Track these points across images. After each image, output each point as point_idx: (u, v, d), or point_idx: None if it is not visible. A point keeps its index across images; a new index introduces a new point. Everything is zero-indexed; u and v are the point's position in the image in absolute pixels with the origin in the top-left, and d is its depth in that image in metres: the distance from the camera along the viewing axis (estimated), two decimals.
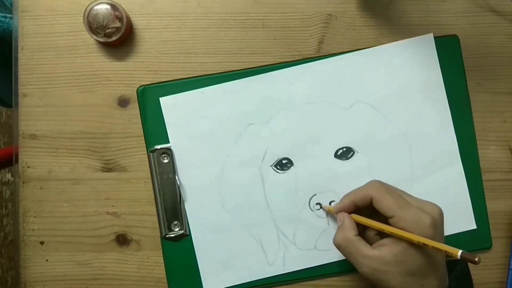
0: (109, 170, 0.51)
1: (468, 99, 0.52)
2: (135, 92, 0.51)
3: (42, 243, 0.51)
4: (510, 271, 0.52)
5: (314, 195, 0.51)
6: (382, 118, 0.51)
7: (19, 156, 0.51)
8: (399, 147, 0.51)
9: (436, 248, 0.40)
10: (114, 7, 0.48)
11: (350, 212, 0.47)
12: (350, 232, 0.44)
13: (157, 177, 0.51)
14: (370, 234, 0.46)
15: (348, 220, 0.46)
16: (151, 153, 0.51)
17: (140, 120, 0.51)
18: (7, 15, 0.62)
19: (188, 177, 0.51)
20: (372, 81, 0.51)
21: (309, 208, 0.51)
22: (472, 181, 0.52)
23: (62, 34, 0.51)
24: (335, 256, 0.51)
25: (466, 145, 0.52)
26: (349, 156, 0.51)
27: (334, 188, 0.51)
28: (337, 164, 0.51)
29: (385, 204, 0.43)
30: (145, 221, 0.52)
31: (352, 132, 0.51)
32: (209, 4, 0.51)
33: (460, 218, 0.52)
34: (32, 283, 0.51)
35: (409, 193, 0.46)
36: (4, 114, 1.34)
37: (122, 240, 0.52)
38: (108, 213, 0.52)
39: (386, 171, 0.51)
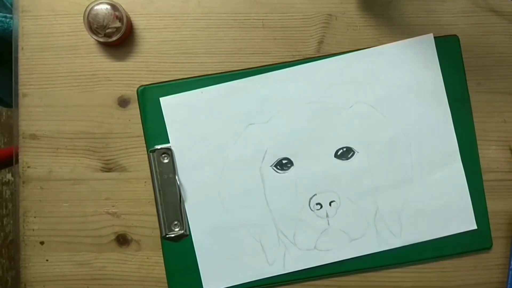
0: (109, 170, 0.51)
1: (468, 99, 0.52)
2: (135, 92, 0.51)
3: (42, 243, 0.51)
4: (510, 271, 0.52)
5: (314, 195, 0.51)
6: (382, 118, 0.51)
7: (19, 156, 0.51)
8: (399, 147, 0.51)
9: None
10: (114, 7, 0.48)
11: None
12: None
13: (157, 177, 0.51)
14: None
15: None
16: (151, 153, 0.51)
17: (140, 120, 0.51)
18: (7, 15, 0.62)
19: (188, 177, 0.51)
20: (372, 81, 0.51)
21: (309, 208, 0.51)
22: (472, 181, 0.52)
23: (62, 34, 0.51)
24: (335, 256, 0.51)
25: (466, 145, 0.52)
26: (349, 156, 0.51)
27: (334, 188, 0.51)
28: (337, 164, 0.51)
29: None
30: (145, 221, 0.52)
31: (352, 132, 0.51)
32: (209, 4, 0.51)
33: (460, 218, 0.52)
34: (32, 283, 0.51)
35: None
36: (4, 114, 1.34)
37: (122, 240, 0.52)
38: (108, 213, 0.52)
39: (386, 171, 0.51)
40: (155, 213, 0.51)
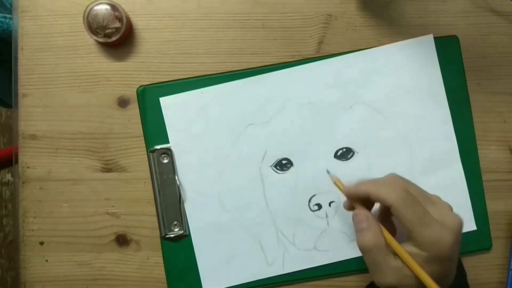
0: (109, 170, 0.51)
1: (468, 99, 0.52)
2: (135, 92, 0.51)
3: (42, 243, 0.51)
4: (510, 271, 0.52)
5: (313, 196, 0.51)
6: (382, 119, 0.51)
7: (19, 157, 0.51)
8: (398, 147, 0.51)
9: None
10: (114, 7, 0.48)
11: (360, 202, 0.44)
12: (381, 237, 0.41)
13: (157, 177, 0.51)
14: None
15: (375, 223, 0.42)
16: (151, 153, 0.51)
17: (140, 120, 0.51)
18: (7, 15, 0.62)
19: (188, 177, 0.51)
20: (372, 81, 0.51)
21: (308, 208, 0.51)
22: (472, 181, 0.52)
23: (62, 34, 0.51)
24: (334, 256, 0.51)
25: (466, 145, 0.52)
26: (349, 156, 0.51)
27: (333, 189, 0.51)
28: (337, 164, 0.51)
29: (406, 217, 0.39)
30: (145, 221, 0.52)
31: (352, 132, 0.51)
32: (209, 4, 0.51)
33: None
34: (32, 284, 0.51)
35: None
36: (4, 114, 1.34)
37: (122, 240, 0.52)
38: (108, 213, 0.52)
39: (386, 171, 0.51)
40: (155, 213, 0.51)
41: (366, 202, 0.43)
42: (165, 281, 0.51)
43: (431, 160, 0.51)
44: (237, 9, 0.51)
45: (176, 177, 0.51)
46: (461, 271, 0.44)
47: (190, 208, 0.51)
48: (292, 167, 0.51)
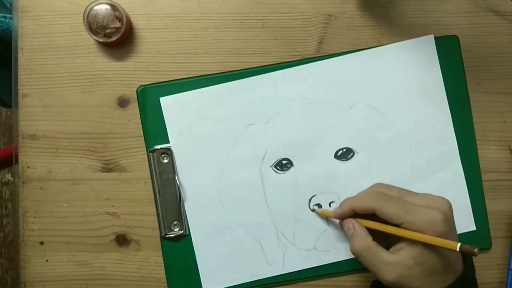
0: (109, 170, 0.51)
1: (468, 99, 0.52)
2: (135, 92, 0.51)
3: (42, 243, 0.51)
4: (510, 271, 0.52)
5: (313, 196, 0.51)
6: (382, 119, 0.51)
7: (19, 156, 0.51)
8: (399, 147, 0.51)
9: (433, 244, 0.40)
10: (114, 7, 0.48)
11: (350, 217, 0.47)
12: (368, 239, 0.44)
13: (157, 177, 0.51)
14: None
15: (360, 227, 0.45)
16: (151, 153, 0.51)
17: (140, 120, 0.51)
18: (7, 15, 0.62)
19: (188, 177, 0.51)
20: (372, 81, 0.51)
21: (308, 208, 0.51)
22: (472, 181, 0.52)
23: (62, 34, 0.51)
24: (334, 257, 0.51)
25: (466, 145, 0.52)
26: (349, 156, 0.51)
27: (334, 189, 0.51)
28: (337, 164, 0.51)
29: (389, 213, 0.43)
30: (145, 221, 0.52)
31: (352, 133, 0.51)
32: (209, 5, 0.51)
33: (459, 219, 0.51)
34: (32, 283, 0.51)
35: None
36: (4, 114, 1.34)
37: (122, 240, 0.52)
38: (108, 213, 0.52)
39: (386, 172, 0.51)
40: (155, 213, 0.51)
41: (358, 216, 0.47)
42: (165, 281, 0.51)
43: (431, 160, 0.51)
44: (237, 9, 0.51)
45: (176, 177, 0.51)
46: (470, 266, 0.45)
47: (190, 208, 0.51)
48: (292, 167, 0.51)
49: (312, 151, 0.51)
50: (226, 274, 0.51)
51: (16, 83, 0.51)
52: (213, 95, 0.51)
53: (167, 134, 0.51)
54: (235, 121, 0.51)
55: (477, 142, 0.52)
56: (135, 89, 0.51)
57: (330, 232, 0.51)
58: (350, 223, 0.46)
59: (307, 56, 0.52)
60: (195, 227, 0.51)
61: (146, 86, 0.51)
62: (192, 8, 0.51)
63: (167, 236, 0.51)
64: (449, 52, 0.52)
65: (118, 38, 0.49)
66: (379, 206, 0.43)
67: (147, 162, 0.51)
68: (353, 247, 0.44)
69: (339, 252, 0.51)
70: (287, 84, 0.51)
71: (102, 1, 0.48)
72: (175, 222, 0.51)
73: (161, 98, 0.51)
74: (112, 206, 0.52)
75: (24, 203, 0.51)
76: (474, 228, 0.52)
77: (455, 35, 0.52)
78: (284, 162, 0.51)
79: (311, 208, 0.51)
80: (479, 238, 0.52)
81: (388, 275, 0.42)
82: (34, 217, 0.51)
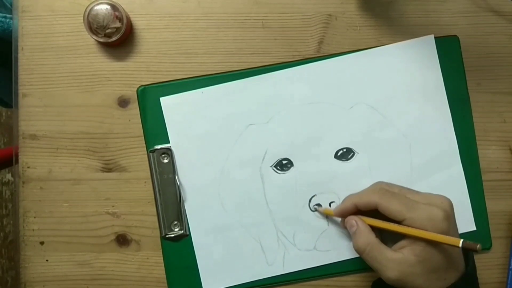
0: (109, 170, 0.51)
1: (468, 99, 0.52)
2: (135, 92, 0.51)
3: (42, 243, 0.51)
4: (510, 271, 0.52)
5: (314, 196, 0.51)
6: (382, 119, 0.51)
7: (19, 156, 0.51)
8: (399, 148, 0.51)
9: (436, 242, 0.40)
10: (114, 7, 0.48)
11: (352, 214, 0.47)
12: (371, 235, 0.44)
13: (157, 177, 0.51)
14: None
15: (363, 224, 0.45)
16: (151, 153, 0.51)
17: (140, 120, 0.51)
18: (7, 15, 0.62)
19: (188, 177, 0.51)
20: (372, 82, 0.51)
21: (309, 208, 0.51)
22: (472, 181, 0.52)
23: (62, 34, 0.51)
24: (335, 256, 0.51)
25: (466, 145, 0.52)
26: (349, 157, 0.51)
27: (334, 189, 0.51)
28: (337, 164, 0.51)
29: (392, 209, 0.43)
30: (145, 221, 0.52)
31: (352, 133, 0.51)
32: (209, 4, 0.51)
33: (460, 219, 0.51)
34: (32, 283, 0.51)
35: None
36: (4, 114, 1.34)
37: (122, 240, 0.52)
38: (108, 213, 0.52)
39: (386, 172, 0.51)
40: (155, 213, 0.51)
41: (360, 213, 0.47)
42: (165, 281, 0.51)
43: (431, 160, 0.51)
44: (237, 9, 0.51)
45: (176, 177, 0.51)
46: (471, 264, 0.45)
47: (190, 208, 0.51)
48: (292, 167, 0.51)
49: (312, 151, 0.51)
50: (226, 274, 0.51)
51: (16, 83, 0.51)
52: (213, 95, 0.51)
53: (167, 134, 0.51)
54: (235, 121, 0.51)
55: (477, 142, 0.52)
56: (135, 89, 0.51)
57: (330, 232, 0.51)
58: (353, 220, 0.46)
59: (307, 56, 0.52)
60: (195, 227, 0.51)
61: (146, 86, 0.51)
62: (192, 8, 0.51)
63: (167, 236, 0.51)
64: (449, 52, 0.52)
65: (118, 38, 0.49)
66: (382, 201, 0.43)
67: (147, 162, 0.51)
68: (356, 243, 0.44)
69: (340, 252, 0.51)
70: (287, 84, 0.51)
71: (102, 1, 0.48)
72: (175, 222, 0.51)
73: (161, 98, 0.51)
74: (112, 206, 0.52)
75: (24, 203, 0.51)
76: (474, 228, 0.52)
77: (455, 35, 0.52)
78: (284, 162, 0.51)
79: (311, 208, 0.51)
80: (479, 238, 0.52)
81: (390, 272, 0.42)
82: (34, 217, 0.51)
